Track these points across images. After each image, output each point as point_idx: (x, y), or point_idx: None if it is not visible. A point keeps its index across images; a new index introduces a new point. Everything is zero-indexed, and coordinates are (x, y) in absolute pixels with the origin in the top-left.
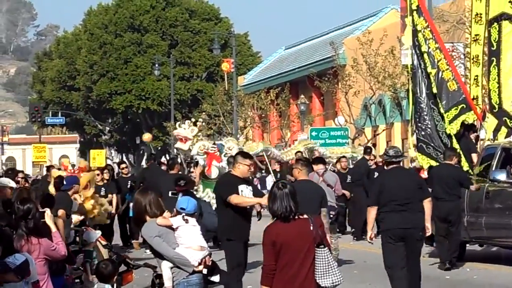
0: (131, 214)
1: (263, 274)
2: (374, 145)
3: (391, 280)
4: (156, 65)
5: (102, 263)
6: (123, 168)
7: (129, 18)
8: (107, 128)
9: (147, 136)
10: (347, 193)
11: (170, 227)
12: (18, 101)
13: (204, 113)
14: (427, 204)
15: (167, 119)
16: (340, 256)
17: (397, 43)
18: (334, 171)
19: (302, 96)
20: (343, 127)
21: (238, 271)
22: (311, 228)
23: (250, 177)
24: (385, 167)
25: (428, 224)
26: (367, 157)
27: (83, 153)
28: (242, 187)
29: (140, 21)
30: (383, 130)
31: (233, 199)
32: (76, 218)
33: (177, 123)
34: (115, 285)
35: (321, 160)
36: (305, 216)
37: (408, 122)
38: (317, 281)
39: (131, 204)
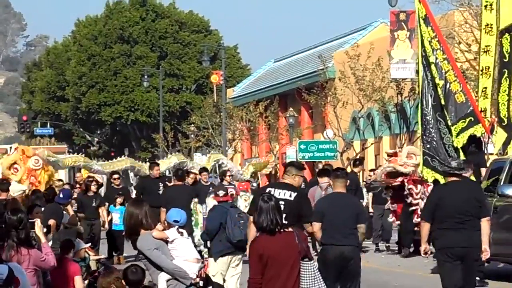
0: (114, 227)
1: (249, 286)
2: (363, 158)
3: None
4: (145, 77)
5: (132, 268)
6: (115, 179)
7: (119, 29)
8: (96, 139)
9: None
10: None
11: (165, 239)
12: (7, 111)
13: (193, 125)
14: (485, 224)
15: (155, 130)
16: None
17: (386, 56)
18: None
19: (291, 109)
20: (332, 140)
21: None
22: (296, 241)
23: None
24: (445, 179)
25: (486, 245)
26: (356, 170)
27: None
28: None
29: (130, 33)
30: (372, 144)
31: None
32: (51, 221)
33: None
34: None
35: (326, 172)
36: (290, 229)
37: (397, 136)
38: None
39: (114, 216)
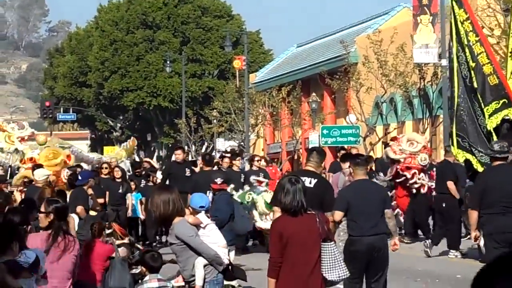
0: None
1: (270, 266)
2: (386, 143)
3: None
4: (168, 62)
5: (152, 254)
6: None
7: (141, 14)
8: (118, 125)
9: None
10: None
11: (198, 225)
12: (29, 97)
13: (215, 110)
14: None
15: (178, 116)
16: None
17: (409, 41)
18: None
19: (314, 94)
20: (354, 125)
21: None
22: (318, 223)
23: None
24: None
25: None
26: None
27: (94, 149)
28: None
29: (152, 18)
30: (394, 129)
31: None
32: (80, 208)
33: (9, 126)
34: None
35: (349, 157)
36: (312, 211)
37: (420, 121)
38: (324, 275)
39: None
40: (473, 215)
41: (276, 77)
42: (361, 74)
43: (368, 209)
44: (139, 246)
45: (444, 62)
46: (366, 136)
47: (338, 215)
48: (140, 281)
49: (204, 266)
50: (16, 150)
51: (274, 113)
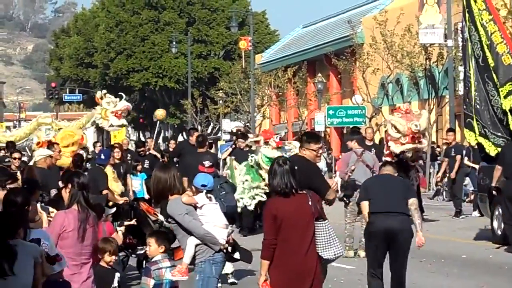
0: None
1: (264, 248)
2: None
3: None
4: (174, 43)
5: (166, 234)
6: (140, 150)
7: None
8: None
9: (160, 113)
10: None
11: (194, 205)
12: (35, 78)
13: (221, 91)
14: None
15: (184, 96)
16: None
17: (415, 22)
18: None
19: (320, 74)
20: (360, 106)
21: None
22: (310, 203)
23: None
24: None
25: None
26: None
27: (100, 130)
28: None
29: None
30: None
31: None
32: (106, 192)
33: (104, 100)
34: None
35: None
36: (304, 191)
37: (426, 101)
38: (320, 253)
39: (134, 183)
40: (497, 172)
41: (282, 57)
42: (368, 55)
43: (387, 191)
44: (168, 225)
45: (450, 42)
46: (372, 117)
47: (363, 205)
48: (145, 261)
49: (198, 245)
50: (111, 126)
51: (280, 93)
